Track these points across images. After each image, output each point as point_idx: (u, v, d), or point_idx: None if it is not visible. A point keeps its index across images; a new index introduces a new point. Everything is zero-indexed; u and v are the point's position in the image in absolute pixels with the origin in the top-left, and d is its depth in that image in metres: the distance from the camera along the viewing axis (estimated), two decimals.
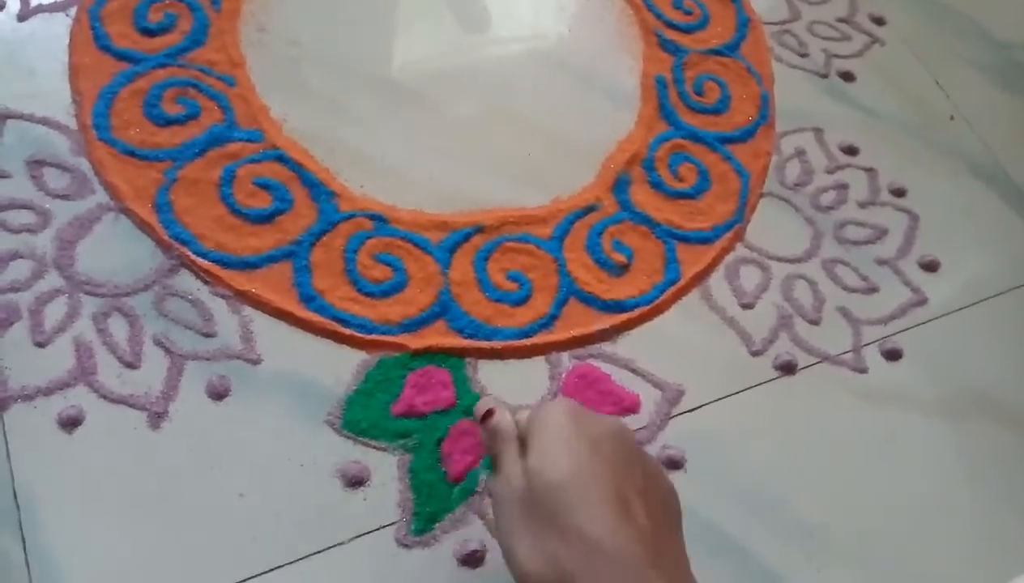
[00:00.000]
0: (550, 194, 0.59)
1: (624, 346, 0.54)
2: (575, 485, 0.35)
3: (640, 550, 0.34)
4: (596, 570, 0.34)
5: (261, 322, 0.50)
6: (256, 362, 0.49)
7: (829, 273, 0.60)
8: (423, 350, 0.51)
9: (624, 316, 0.55)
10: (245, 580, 0.43)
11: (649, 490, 0.37)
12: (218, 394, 0.47)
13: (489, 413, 0.41)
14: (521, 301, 0.54)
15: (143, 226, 0.51)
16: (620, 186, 0.60)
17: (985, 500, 0.54)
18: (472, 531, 0.46)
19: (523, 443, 0.38)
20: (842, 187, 0.65)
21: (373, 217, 0.54)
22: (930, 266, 0.62)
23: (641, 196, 0.60)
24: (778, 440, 0.53)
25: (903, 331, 0.59)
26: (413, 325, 0.51)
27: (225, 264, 0.51)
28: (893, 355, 0.58)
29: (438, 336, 0.51)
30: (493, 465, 0.40)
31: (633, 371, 0.53)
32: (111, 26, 0.58)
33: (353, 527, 0.45)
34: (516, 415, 0.40)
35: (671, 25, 0.69)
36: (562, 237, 0.57)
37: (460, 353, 0.51)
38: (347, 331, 0.50)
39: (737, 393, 0.54)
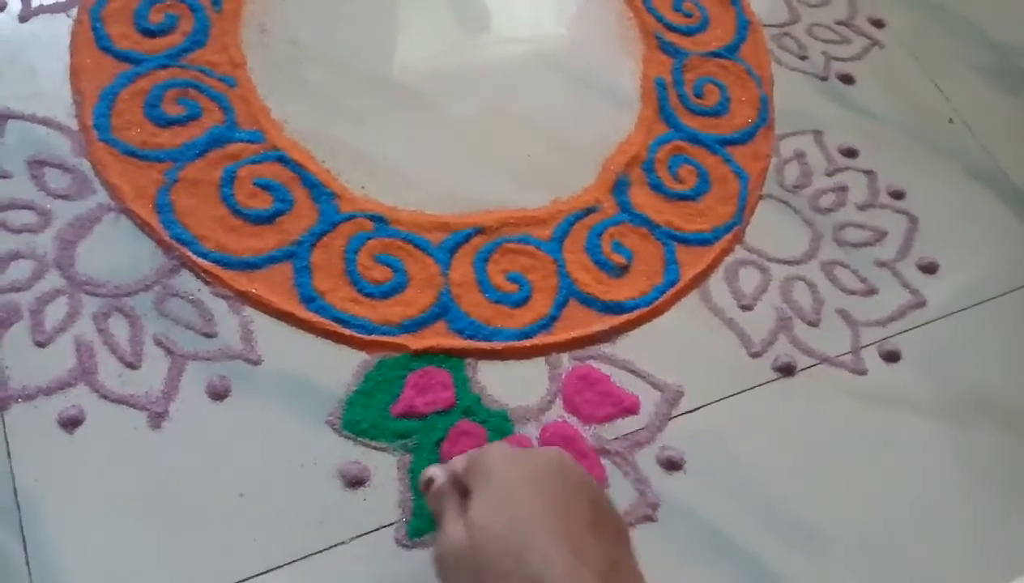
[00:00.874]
0: (550, 195, 0.59)
1: (624, 347, 0.54)
2: (523, 532, 0.34)
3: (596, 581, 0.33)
4: None
5: (261, 322, 0.50)
6: (256, 362, 0.49)
7: (828, 275, 0.60)
8: (423, 351, 0.51)
9: (624, 317, 0.55)
10: (245, 580, 0.43)
11: (598, 521, 0.36)
12: (218, 394, 0.47)
13: (431, 480, 0.40)
14: (521, 302, 0.54)
15: (144, 226, 0.51)
16: (620, 187, 0.60)
17: (984, 501, 0.54)
18: None
19: (462, 493, 0.38)
20: (841, 189, 0.65)
21: (374, 218, 0.54)
22: (929, 268, 0.63)
23: (641, 198, 0.60)
24: (777, 441, 0.53)
25: (902, 333, 0.59)
26: (413, 326, 0.51)
27: (226, 265, 0.51)
28: (892, 357, 0.58)
29: (438, 337, 0.51)
30: (436, 525, 0.39)
31: (632, 372, 0.53)
32: (112, 27, 0.58)
33: (353, 527, 0.45)
34: (450, 464, 0.39)
35: (671, 27, 0.70)
36: (562, 238, 0.57)
37: (460, 354, 0.51)
38: (347, 332, 0.50)
39: (736, 394, 0.54)
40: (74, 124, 0.54)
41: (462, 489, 0.38)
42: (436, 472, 0.40)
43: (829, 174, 0.66)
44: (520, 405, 0.50)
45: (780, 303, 0.58)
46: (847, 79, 0.72)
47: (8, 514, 0.42)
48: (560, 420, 0.51)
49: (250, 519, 0.44)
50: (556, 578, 0.33)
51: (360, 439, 0.48)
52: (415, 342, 0.51)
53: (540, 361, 0.53)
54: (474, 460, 0.38)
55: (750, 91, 0.68)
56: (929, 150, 0.69)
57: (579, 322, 0.54)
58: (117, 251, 0.50)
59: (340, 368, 0.49)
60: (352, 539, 0.45)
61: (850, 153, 0.67)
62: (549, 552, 0.34)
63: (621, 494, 0.49)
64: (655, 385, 0.53)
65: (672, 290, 0.57)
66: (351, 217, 0.54)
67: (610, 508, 0.38)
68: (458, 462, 0.39)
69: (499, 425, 0.49)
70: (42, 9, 0.58)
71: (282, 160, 0.55)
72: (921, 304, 0.61)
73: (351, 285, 0.52)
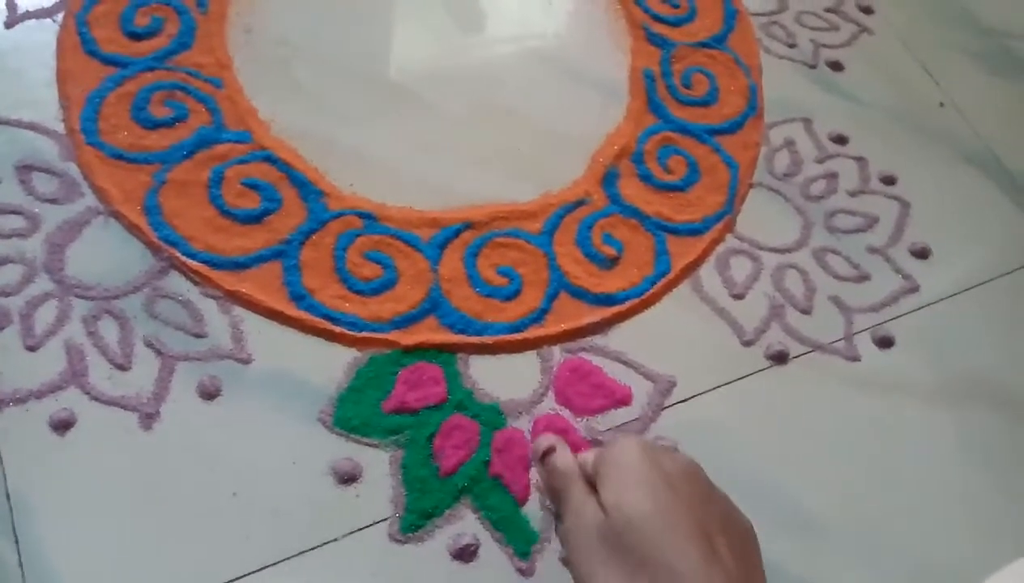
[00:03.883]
0: (539, 189, 0.59)
1: (615, 339, 0.54)
2: (657, 521, 0.34)
3: (727, 581, 0.33)
4: None
5: (251, 322, 0.50)
6: (247, 361, 0.49)
7: (820, 262, 0.60)
8: (414, 346, 0.51)
9: (615, 309, 0.55)
10: (239, 578, 0.43)
11: (728, 528, 0.36)
12: (209, 394, 0.47)
13: (550, 449, 0.40)
14: (512, 296, 0.54)
15: (132, 229, 0.51)
16: (609, 180, 0.60)
17: (981, 485, 0.54)
18: (465, 526, 0.46)
19: (589, 482, 0.37)
20: (832, 176, 0.65)
21: (362, 215, 0.54)
22: (921, 253, 0.62)
23: (630, 189, 0.60)
24: (771, 429, 0.53)
25: (895, 318, 0.59)
26: (404, 322, 0.51)
27: (215, 265, 0.51)
28: (885, 343, 0.58)
29: (429, 332, 0.51)
30: (557, 504, 0.38)
31: (625, 363, 0.53)
32: (98, 31, 0.58)
33: (346, 524, 0.45)
34: (580, 455, 0.39)
35: (658, 19, 0.69)
36: (552, 231, 0.57)
37: (451, 349, 0.51)
38: (338, 329, 0.50)
39: (729, 383, 0.54)
40: (61, 128, 0.54)
41: (587, 477, 0.38)
42: (555, 444, 0.40)
43: (819, 161, 0.66)
44: (512, 398, 0.50)
45: (772, 291, 0.58)
46: (836, 66, 0.71)
47: (1, 517, 0.42)
48: (552, 412, 0.50)
49: (243, 518, 0.44)
50: (688, 571, 0.33)
51: (352, 436, 0.48)
52: (406, 338, 0.51)
53: (532, 354, 0.53)
54: (607, 450, 0.38)
55: (739, 80, 0.68)
56: (920, 135, 0.69)
57: (570, 314, 0.54)
58: (106, 254, 0.50)
59: (331, 365, 0.49)
60: (345, 536, 0.45)
61: (840, 140, 0.67)
62: (682, 544, 0.34)
63: None
64: (647, 376, 0.53)
65: (663, 281, 0.57)
66: (340, 215, 0.54)
67: (740, 518, 0.38)
68: (587, 454, 0.39)
69: (491, 419, 0.49)
70: (28, 15, 0.58)
71: (270, 160, 0.55)
72: (914, 289, 0.61)
73: (341, 283, 0.52)
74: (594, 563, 0.35)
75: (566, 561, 0.38)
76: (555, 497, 0.39)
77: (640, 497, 0.35)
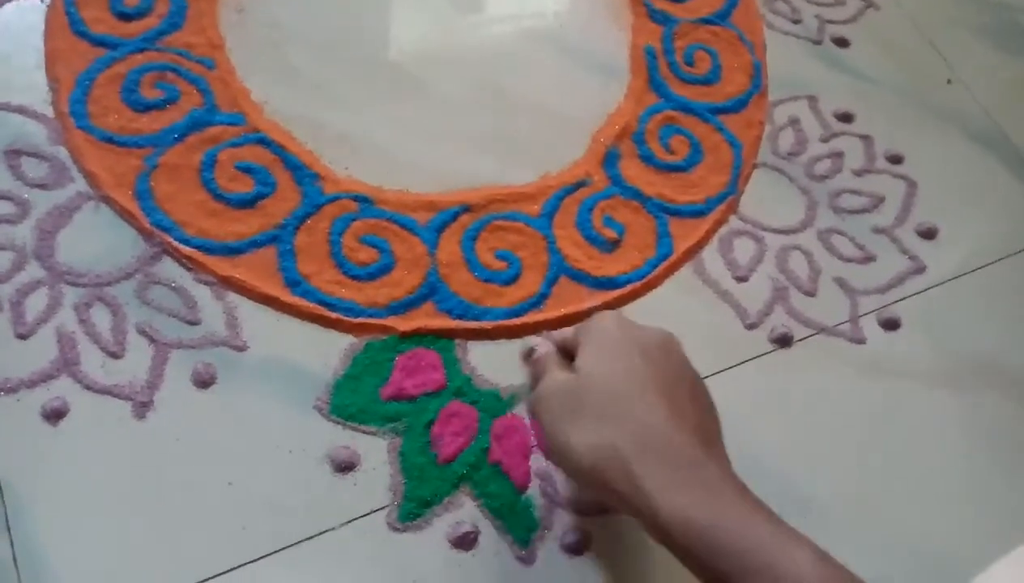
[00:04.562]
0: (539, 170, 0.58)
1: None
2: (627, 380, 0.36)
3: (694, 439, 0.35)
4: (652, 452, 0.34)
5: (246, 308, 0.49)
6: (242, 349, 0.48)
7: (825, 243, 0.59)
8: (411, 332, 0.50)
9: (616, 292, 0.54)
10: (235, 568, 0.42)
11: (697, 396, 0.38)
12: (204, 382, 0.46)
13: (531, 350, 0.42)
14: (511, 280, 0.53)
15: (124, 214, 0.50)
16: (610, 160, 0.59)
17: (988, 469, 0.53)
18: (464, 513, 0.46)
19: (568, 357, 0.39)
20: (837, 155, 0.64)
21: (358, 199, 0.53)
22: (928, 233, 0.61)
23: (632, 170, 0.59)
24: (775, 413, 0.52)
25: (901, 300, 0.58)
26: (401, 307, 0.51)
27: (208, 250, 0.50)
28: (891, 324, 0.57)
29: (426, 318, 0.51)
30: (534, 383, 0.40)
31: None
32: (87, 11, 0.57)
33: (344, 512, 0.45)
34: (559, 331, 0.42)
35: None
36: (551, 214, 0.56)
37: (449, 334, 0.50)
38: (334, 315, 0.49)
39: (732, 367, 0.53)
40: (50, 112, 0.53)
41: (566, 354, 0.40)
42: (540, 341, 0.42)
43: (824, 140, 0.64)
44: (511, 384, 0.50)
45: (776, 273, 0.57)
46: (842, 42, 0.70)
47: None
48: None
49: (239, 507, 0.44)
50: (658, 423, 0.35)
51: (349, 423, 0.47)
52: (403, 324, 0.50)
53: (531, 339, 0.52)
54: (585, 323, 0.39)
55: (742, 57, 0.66)
56: (927, 113, 0.68)
57: (570, 299, 0.53)
58: (97, 240, 0.49)
59: (327, 352, 0.49)
60: (343, 525, 0.44)
61: (846, 118, 0.66)
62: (653, 401, 0.35)
63: None
64: None
65: (665, 263, 0.56)
66: (335, 198, 0.53)
67: (708, 394, 0.39)
68: (566, 330, 0.41)
69: (490, 405, 0.49)
70: None
71: (263, 142, 0.54)
72: (920, 270, 0.60)
73: (336, 267, 0.51)
74: (562, 416, 0.36)
75: (536, 426, 0.41)
76: (535, 380, 0.40)
77: (611, 359, 0.37)
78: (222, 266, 0.50)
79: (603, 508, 0.46)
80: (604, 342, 0.38)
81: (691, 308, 0.55)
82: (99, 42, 0.56)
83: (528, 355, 0.42)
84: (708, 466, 0.35)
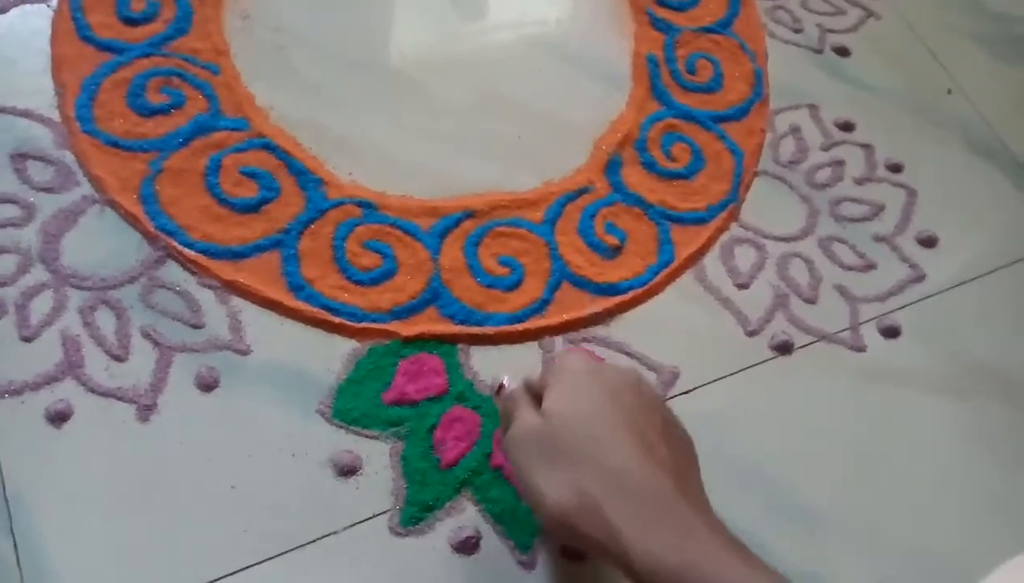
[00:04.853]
0: (541, 177, 0.58)
1: (618, 329, 0.54)
2: (596, 422, 0.36)
3: (666, 479, 0.34)
4: (623, 495, 0.34)
5: (250, 312, 0.49)
6: (245, 353, 0.48)
7: (826, 251, 0.60)
8: (414, 337, 0.50)
9: (618, 299, 0.54)
10: (238, 571, 0.42)
11: (670, 435, 0.37)
12: (207, 386, 0.47)
13: (500, 386, 0.42)
14: (513, 286, 0.53)
15: (129, 218, 0.51)
16: (612, 167, 0.59)
17: (988, 476, 0.53)
18: (466, 518, 0.46)
19: (536, 397, 0.39)
20: (838, 164, 0.64)
21: (362, 204, 0.54)
22: (928, 242, 0.62)
23: (634, 177, 0.59)
24: (775, 420, 0.52)
25: (901, 308, 0.58)
26: (404, 312, 0.51)
27: (212, 254, 0.50)
28: (891, 332, 0.57)
29: (429, 323, 0.51)
30: (504, 423, 0.40)
31: (628, 354, 0.53)
32: (93, 16, 0.57)
33: (346, 516, 0.45)
34: (526, 376, 0.41)
35: (662, 3, 0.68)
36: (554, 220, 0.56)
37: (452, 340, 0.51)
38: (337, 319, 0.50)
39: (733, 374, 0.53)
40: (56, 116, 0.53)
41: (535, 394, 0.39)
42: (508, 381, 0.42)
43: (825, 149, 0.65)
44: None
45: (777, 281, 0.57)
46: (843, 51, 0.70)
47: None
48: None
49: (241, 510, 0.44)
50: (629, 465, 0.34)
51: (351, 428, 0.47)
52: (406, 329, 0.50)
53: (533, 345, 0.52)
54: (551, 365, 0.39)
55: (744, 66, 0.67)
56: (927, 122, 0.68)
57: (572, 305, 0.53)
58: (102, 243, 0.50)
59: (330, 356, 0.49)
60: (345, 529, 0.44)
61: (847, 127, 0.66)
62: (620, 441, 0.35)
63: None
64: (651, 366, 0.52)
65: (667, 270, 0.56)
66: (339, 203, 0.53)
67: (682, 429, 0.39)
68: (532, 374, 0.41)
69: (492, 410, 0.49)
70: (22, 0, 0.57)
71: (268, 147, 0.54)
72: (920, 278, 0.60)
73: (340, 272, 0.51)
74: (533, 462, 0.36)
75: (507, 470, 0.41)
76: (504, 418, 0.40)
77: (579, 401, 0.36)
78: (226, 270, 0.50)
79: (582, 553, 0.45)
80: (572, 383, 0.37)
81: (692, 315, 0.55)
82: (105, 47, 0.56)
83: (498, 391, 0.42)
84: (680, 506, 0.34)
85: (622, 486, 0.34)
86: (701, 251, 0.57)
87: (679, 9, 0.69)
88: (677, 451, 0.37)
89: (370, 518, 0.45)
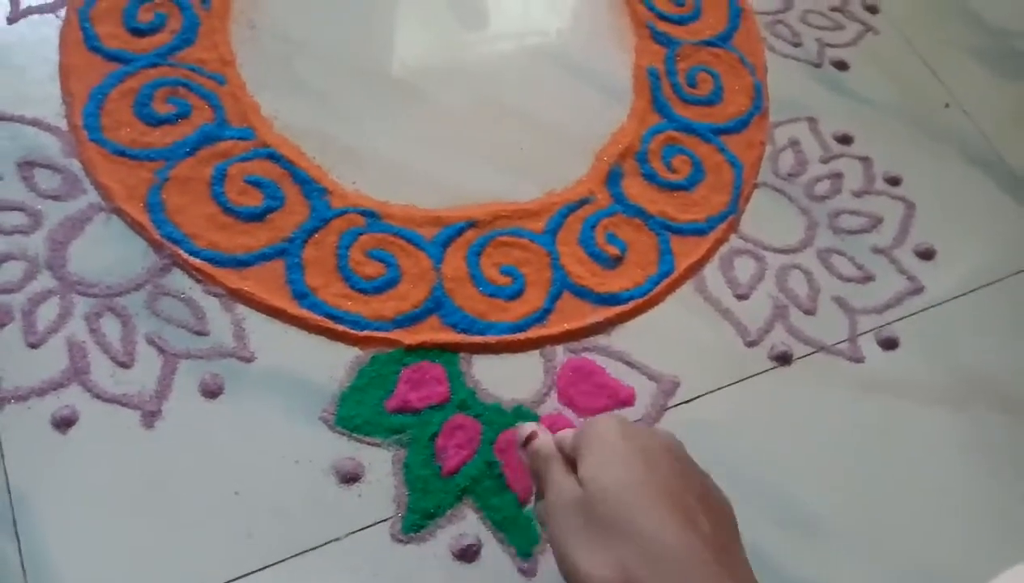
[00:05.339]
0: (543, 187, 0.59)
1: (619, 339, 0.54)
2: (634, 492, 0.34)
3: (707, 553, 0.33)
4: (664, 571, 0.33)
5: (254, 320, 0.50)
6: (249, 360, 0.49)
7: (824, 263, 0.60)
8: (417, 346, 0.50)
9: (618, 309, 0.55)
10: (240, 577, 0.43)
11: (707, 504, 0.36)
12: (211, 392, 0.47)
13: (532, 436, 0.40)
14: (515, 295, 0.54)
15: (135, 226, 0.51)
16: (613, 178, 0.60)
17: (986, 486, 0.53)
18: (467, 526, 0.46)
19: (569, 461, 0.38)
20: (837, 176, 0.65)
21: (365, 213, 0.54)
22: (926, 254, 0.62)
23: (634, 188, 0.60)
24: (774, 431, 0.53)
25: (899, 320, 0.59)
26: (406, 321, 0.51)
27: (217, 262, 0.51)
28: (889, 344, 0.58)
29: (432, 331, 0.51)
30: (538, 484, 0.39)
31: (628, 364, 0.53)
32: (101, 26, 0.58)
33: (348, 523, 0.45)
34: (559, 435, 0.39)
35: (663, 17, 0.69)
36: (555, 230, 0.57)
37: (454, 348, 0.51)
38: (340, 328, 0.50)
39: (732, 384, 0.54)
40: (64, 125, 0.54)
41: (567, 456, 0.38)
42: (537, 430, 0.40)
43: (824, 161, 0.65)
44: (515, 398, 0.50)
45: (776, 292, 0.58)
46: (841, 65, 0.71)
47: (2, 515, 0.42)
48: (555, 413, 0.50)
49: (245, 517, 0.44)
50: (668, 539, 0.33)
51: (354, 435, 0.47)
52: (408, 337, 0.51)
53: (535, 354, 0.52)
54: (585, 429, 0.38)
55: (743, 79, 0.67)
56: (925, 135, 0.69)
57: (573, 314, 0.54)
58: (108, 251, 0.50)
59: (333, 364, 0.49)
60: (347, 535, 0.45)
61: (845, 140, 0.67)
62: (660, 513, 0.34)
63: None
64: (651, 376, 0.53)
65: (667, 280, 0.56)
66: (343, 213, 0.54)
67: (718, 493, 0.38)
68: (565, 433, 0.39)
69: (494, 418, 0.49)
70: (30, 10, 0.58)
71: (273, 157, 0.55)
72: (919, 290, 0.60)
73: (343, 281, 0.52)
74: (571, 535, 0.35)
75: (546, 538, 0.38)
76: (536, 478, 0.39)
77: (617, 470, 0.35)
78: (231, 278, 0.50)
79: None
80: (607, 450, 0.36)
81: (692, 325, 0.56)
82: (113, 57, 0.57)
83: (525, 442, 0.40)
84: (722, 579, 0.33)
85: (662, 559, 0.33)
86: (701, 262, 0.58)
87: (680, 22, 0.69)
88: (717, 518, 0.36)
89: (372, 525, 0.45)
